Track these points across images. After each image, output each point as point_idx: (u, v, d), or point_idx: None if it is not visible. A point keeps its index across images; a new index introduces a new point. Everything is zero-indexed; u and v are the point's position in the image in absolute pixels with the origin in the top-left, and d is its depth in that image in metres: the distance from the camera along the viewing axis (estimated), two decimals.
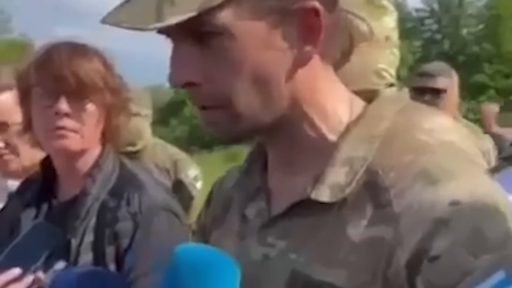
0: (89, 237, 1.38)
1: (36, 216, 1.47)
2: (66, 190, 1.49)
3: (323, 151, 0.80)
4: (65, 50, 1.43)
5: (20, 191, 1.56)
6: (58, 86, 1.39)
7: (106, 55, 1.47)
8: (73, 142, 1.41)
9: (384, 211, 0.73)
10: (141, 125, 3.35)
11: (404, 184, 0.73)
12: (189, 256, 0.75)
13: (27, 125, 1.48)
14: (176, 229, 1.41)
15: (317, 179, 0.78)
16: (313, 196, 0.77)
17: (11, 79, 1.76)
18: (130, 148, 3.33)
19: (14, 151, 1.80)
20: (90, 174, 1.44)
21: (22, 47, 23.07)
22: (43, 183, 1.51)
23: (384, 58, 1.51)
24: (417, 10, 29.19)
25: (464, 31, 29.30)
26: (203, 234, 0.96)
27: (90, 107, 1.42)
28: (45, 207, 1.49)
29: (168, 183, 3.32)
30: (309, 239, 0.77)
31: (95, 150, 1.47)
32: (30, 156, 1.82)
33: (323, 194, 0.77)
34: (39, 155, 1.79)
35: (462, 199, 0.71)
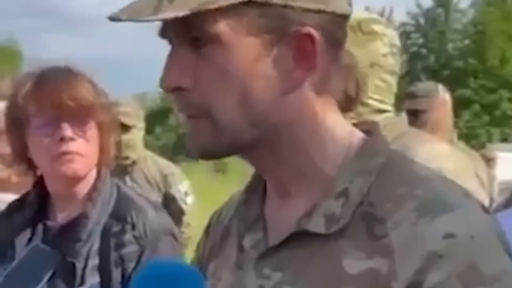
0: (94, 261, 1.40)
1: (31, 239, 1.48)
2: (63, 213, 1.50)
3: (319, 182, 0.81)
4: (58, 76, 1.46)
5: (8, 213, 1.56)
6: (60, 113, 1.42)
7: (89, 73, 1.50)
8: (80, 166, 1.44)
9: (380, 243, 0.74)
10: (134, 138, 3.36)
11: (400, 216, 0.74)
12: (153, 272, 0.76)
13: (21, 155, 1.50)
14: (177, 253, 1.45)
15: (313, 210, 0.79)
16: (308, 227, 0.78)
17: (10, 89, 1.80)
18: (123, 162, 3.34)
19: (4, 161, 1.81)
20: (89, 198, 1.47)
21: (9, 52, 22.87)
22: (38, 206, 1.51)
23: (368, 87, 1.51)
24: (403, 24, 29.30)
25: (450, 46, 29.46)
26: (200, 264, 0.96)
27: (90, 128, 1.46)
28: (40, 229, 1.49)
29: (159, 198, 3.33)
30: (305, 271, 0.78)
31: (92, 173, 1.50)
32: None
33: (319, 225, 0.78)
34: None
35: (457, 232, 0.72)
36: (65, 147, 1.43)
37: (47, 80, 1.45)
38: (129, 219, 1.44)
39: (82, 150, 1.44)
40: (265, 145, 0.80)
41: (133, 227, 1.43)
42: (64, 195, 1.51)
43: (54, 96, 1.42)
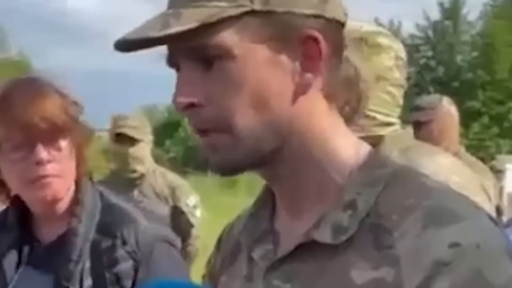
0: (88, 281, 1.33)
1: (19, 261, 1.40)
2: (48, 230, 1.43)
3: (328, 192, 0.82)
4: (24, 94, 1.35)
5: None
6: (31, 135, 1.34)
7: (58, 83, 1.41)
8: (59, 187, 1.37)
9: (387, 253, 0.75)
10: (143, 151, 3.38)
11: (406, 226, 0.75)
12: None
13: None
14: (175, 258, 1.40)
15: (321, 220, 0.80)
16: (316, 237, 0.79)
17: None
18: (131, 175, 3.36)
19: None
20: (73, 213, 1.39)
21: (20, 65, 23.02)
22: (20, 225, 1.44)
23: (373, 100, 1.49)
24: (411, 36, 29.30)
25: (459, 58, 29.40)
26: (212, 278, 0.97)
27: (63, 144, 1.38)
28: (26, 250, 1.42)
29: (167, 211, 3.34)
30: (313, 282, 0.79)
31: (72, 186, 1.42)
32: None
33: (326, 236, 0.79)
34: None
35: (462, 241, 0.72)
36: (42, 170, 1.35)
37: (13, 100, 1.35)
38: (118, 234, 1.36)
39: (59, 171, 1.37)
40: (283, 155, 0.81)
41: (124, 241, 1.35)
42: (46, 213, 1.44)
43: (23, 118, 1.32)
